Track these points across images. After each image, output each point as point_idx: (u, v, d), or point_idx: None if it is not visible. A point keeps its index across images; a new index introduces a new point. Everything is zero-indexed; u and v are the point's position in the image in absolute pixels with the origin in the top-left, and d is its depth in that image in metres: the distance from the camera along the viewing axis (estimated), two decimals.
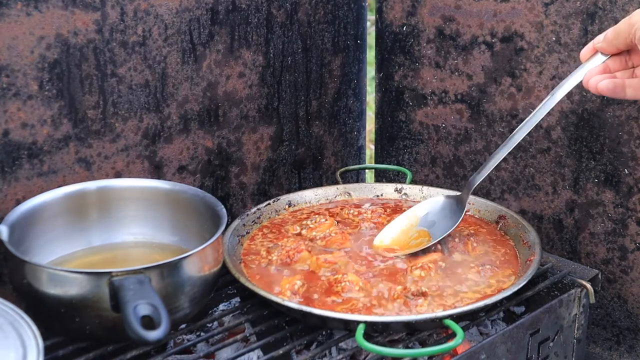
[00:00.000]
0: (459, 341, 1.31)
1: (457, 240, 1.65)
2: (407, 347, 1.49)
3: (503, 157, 1.61)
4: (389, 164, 2.16)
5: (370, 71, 2.20)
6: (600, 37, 1.44)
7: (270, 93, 1.95)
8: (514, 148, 1.89)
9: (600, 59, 1.45)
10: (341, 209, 1.82)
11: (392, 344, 1.53)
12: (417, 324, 1.42)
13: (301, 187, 2.08)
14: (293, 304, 1.44)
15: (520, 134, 1.58)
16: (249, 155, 1.95)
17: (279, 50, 1.94)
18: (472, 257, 1.63)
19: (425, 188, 1.87)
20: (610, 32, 1.42)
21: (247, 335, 1.48)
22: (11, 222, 1.46)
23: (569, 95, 1.78)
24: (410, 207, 1.84)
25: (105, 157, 1.70)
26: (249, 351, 1.45)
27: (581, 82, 1.46)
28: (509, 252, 1.66)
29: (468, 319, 1.53)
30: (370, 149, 2.63)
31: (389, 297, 1.49)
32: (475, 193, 1.97)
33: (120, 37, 1.66)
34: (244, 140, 1.93)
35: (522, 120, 1.87)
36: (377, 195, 1.89)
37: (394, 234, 1.68)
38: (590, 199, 1.81)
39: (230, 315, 1.57)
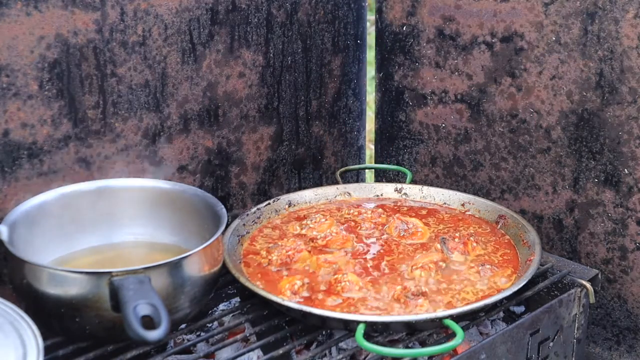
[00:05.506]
0: (459, 341, 1.31)
1: (457, 240, 1.65)
2: (407, 347, 1.49)
3: None
4: (389, 164, 2.16)
5: (370, 71, 2.20)
6: None
7: (270, 93, 1.95)
8: (514, 148, 1.90)
9: None
10: (341, 209, 1.82)
11: (392, 344, 1.53)
12: (417, 324, 1.42)
13: (301, 187, 2.08)
14: (293, 304, 1.44)
15: None
16: (249, 155, 1.95)
17: (279, 50, 1.94)
18: (472, 257, 1.63)
19: (425, 188, 1.87)
20: None
21: (247, 335, 1.48)
22: (11, 222, 1.46)
23: (569, 94, 1.78)
24: (410, 206, 1.84)
25: (105, 157, 1.70)
26: (249, 351, 1.45)
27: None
28: (509, 252, 1.66)
29: (468, 319, 1.53)
30: (370, 149, 2.62)
31: (389, 297, 1.49)
32: (475, 193, 1.97)
33: (120, 37, 1.66)
34: (244, 140, 1.93)
35: (522, 120, 1.88)
36: (377, 195, 1.89)
37: None
38: (590, 199, 1.81)
39: (230, 315, 1.57)
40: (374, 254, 1.64)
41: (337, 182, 1.94)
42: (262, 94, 1.94)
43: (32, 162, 1.60)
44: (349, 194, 1.89)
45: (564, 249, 1.88)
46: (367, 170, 2.41)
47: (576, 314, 1.62)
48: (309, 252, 1.61)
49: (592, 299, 1.63)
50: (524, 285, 1.49)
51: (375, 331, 1.45)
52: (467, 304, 1.46)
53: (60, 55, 1.59)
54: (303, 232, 1.70)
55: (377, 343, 1.41)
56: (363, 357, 1.55)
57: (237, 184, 1.95)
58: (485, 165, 1.97)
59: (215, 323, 1.62)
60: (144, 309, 1.24)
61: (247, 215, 1.74)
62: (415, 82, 2.05)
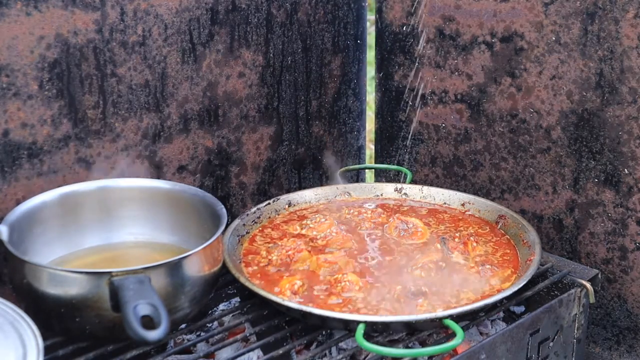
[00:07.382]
0: (459, 341, 1.31)
1: (457, 240, 1.65)
2: (407, 347, 1.49)
3: None
4: (389, 164, 2.16)
5: (370, 71, 2.20)
6: None
7: (270, 93, 1.95)
8: (514, 148, 1.90)
9: None
10: (341, 209, 1.82)
11: (392, 344, 1.53)
12: (417, 324, 1.42)
13: (301, 187, 2.08)
14: (293, 304, 1.44)
15: None
16: (249, 155, 1.95)
17: (279, 50, 1.94)
18: (472, 257, 1.63)
19: (425, 188, 1.87)
20: None
21: (247, 335, 1.48)
22: (11, 222, 1.46)
23: (569, 94, 1.78)
24: (411, 206, 1.85)
25: (105, 157, 1.70)
26: (249, 351, 1.45)
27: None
28: (509, 252, 1.66)
29: (468, 319, 1.53)
30: (370, 149, 2.63)
31: (389, 297, 1.49)
32: (475, 193, 1.97)
33: (120, 37, 1.66)
34: (244, 140, 1.93)
35: (522, 120, 1.88)
36: (377, 195, 1.89)
37: None
38: (590, 199, 1.81)
39: (230, 315, 1.57)
40: (374, 254, 1.64)
41: (337, 182, 1.94)
42: (262, 94, 1.94)
43: (32, 162, 1.60)
44: (349, 194, 1.89)
45: (564, 249, 1.88)
46: (367, 170, 2.41)
47: (576, 314, 1.62)
48: (309, 252, 1.61)
49: (592, 299, 1.63)
50: (524, 285, 1.49)
51: (375, 331, 1.45)
52: (467, 304, 1.46)
53: (60, 55, 1.59)
54: (303, 232, 1.70)
55: (377, 343, 1.41)
56: (363, 357, 1.55)
57: (237, 184, 1.95)
58: (485, 165, 1.97)
59: (215, 323, 1.62)
60: (144, 309, 1.24)
61: (247, 215, 1.74)
62: (415, 82, 2.05)
